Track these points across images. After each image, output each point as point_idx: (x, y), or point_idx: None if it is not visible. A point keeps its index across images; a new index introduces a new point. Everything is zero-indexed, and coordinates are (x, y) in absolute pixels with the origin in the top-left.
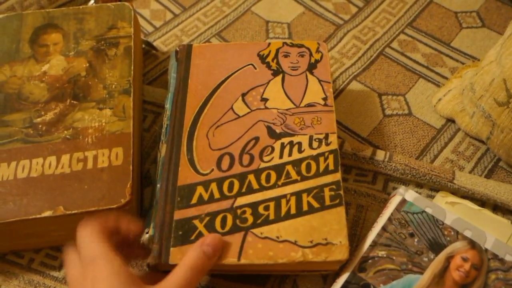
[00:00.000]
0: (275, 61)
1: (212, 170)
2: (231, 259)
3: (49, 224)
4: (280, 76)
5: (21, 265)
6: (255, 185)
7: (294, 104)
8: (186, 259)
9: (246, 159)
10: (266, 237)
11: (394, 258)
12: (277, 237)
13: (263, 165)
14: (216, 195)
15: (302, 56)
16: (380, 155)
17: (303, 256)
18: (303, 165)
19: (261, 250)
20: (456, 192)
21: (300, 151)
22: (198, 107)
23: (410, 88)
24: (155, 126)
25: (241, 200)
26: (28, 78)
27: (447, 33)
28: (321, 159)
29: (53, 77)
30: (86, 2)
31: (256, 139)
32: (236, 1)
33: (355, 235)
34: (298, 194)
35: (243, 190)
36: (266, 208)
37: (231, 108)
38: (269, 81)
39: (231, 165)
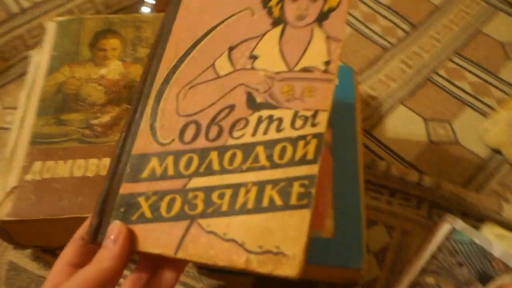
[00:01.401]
0: (279, 5)
1: (173, 140)
2: (167, 251)
3: None
4: (280, 27)
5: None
6: (216, 166)
7: (288, 66)
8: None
9: (213, 131)
10: (211, 232)
11: (442, 286)
12: (224, 234)
13: (230, 141)
14: (170, 171)
15: (315, 1)
16: (427, 181)
17: (246, 263)
18: (277, 149)
19: (203, 246)
20: (503, 224)
21: (278, 129)
22: (176, 59)
23: (457, 116)
24: None
25: (196, 182)
26: (86, 80)
27: (494, 64)
28: (301, 143)
29: (110, 81)
30: (138, 9)
31: (231, 107)
32: None
33: (398, 259)
34: (261, 185)
35: (201, 169)
36: (221, 196)
37: (213, 64)
38: (266, 32)
39: (195, 137)
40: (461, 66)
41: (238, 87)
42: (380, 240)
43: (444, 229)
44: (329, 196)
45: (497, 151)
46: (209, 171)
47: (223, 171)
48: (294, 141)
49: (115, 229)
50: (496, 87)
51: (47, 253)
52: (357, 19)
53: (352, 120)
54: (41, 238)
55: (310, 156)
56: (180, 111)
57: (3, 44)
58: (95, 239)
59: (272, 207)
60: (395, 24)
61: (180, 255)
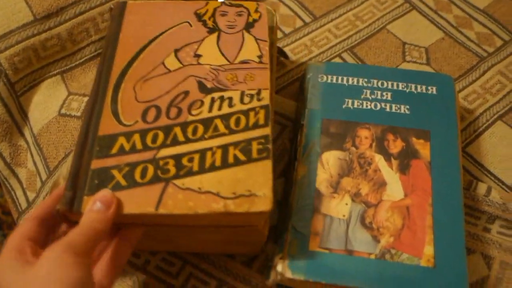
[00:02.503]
0: (211, 19)
1: (137, 121)
2: (148, 208)
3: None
4: (216, 33)
5: (136, 265)
6: (181, 138)
7: (228, 61)
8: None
9: (173, 112)
10: (187, 188)
11: None
12: (199, 188)
13: (190, 118)
14: (139, 146)
15: (240, 15)
16: None
17: (225, 207)
18: (232, 119)
19: (181, 201)
20: None
21: (230, 105)
22: (127, 60)
23: None
24: (283, 139)
25: (165, 152)
26: None
27: None
28: (252, 113)
29: None
30: None
31: (186, 93)
32: (371, 16)
33: None
34: (224, 147)
35: (168, 142)
36: (190, 160)
37: (162, 63)
38: (204, 38)
39: (157, 117)
40: None
41: (189, 78)
42: (476, 271)
43: None
44: (429, 220)
45: None
46: (176, 142)
47: (188, 140)
48: (245, 112)
49: (107, 196)
50: None
51: None
52: (450, 23)
53: (453, 135)
54: None
55: (261, 121)
56: (139, 99)
57: (74, 25)
58: (71, 209)
59: (238, 162)
60: (492, 31)
61: (161, 210)
